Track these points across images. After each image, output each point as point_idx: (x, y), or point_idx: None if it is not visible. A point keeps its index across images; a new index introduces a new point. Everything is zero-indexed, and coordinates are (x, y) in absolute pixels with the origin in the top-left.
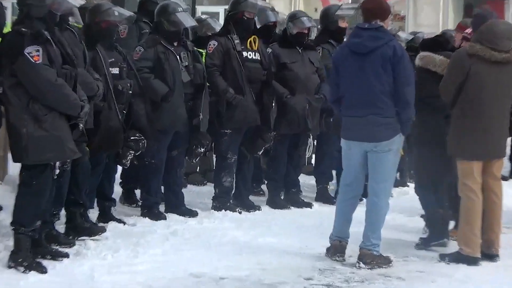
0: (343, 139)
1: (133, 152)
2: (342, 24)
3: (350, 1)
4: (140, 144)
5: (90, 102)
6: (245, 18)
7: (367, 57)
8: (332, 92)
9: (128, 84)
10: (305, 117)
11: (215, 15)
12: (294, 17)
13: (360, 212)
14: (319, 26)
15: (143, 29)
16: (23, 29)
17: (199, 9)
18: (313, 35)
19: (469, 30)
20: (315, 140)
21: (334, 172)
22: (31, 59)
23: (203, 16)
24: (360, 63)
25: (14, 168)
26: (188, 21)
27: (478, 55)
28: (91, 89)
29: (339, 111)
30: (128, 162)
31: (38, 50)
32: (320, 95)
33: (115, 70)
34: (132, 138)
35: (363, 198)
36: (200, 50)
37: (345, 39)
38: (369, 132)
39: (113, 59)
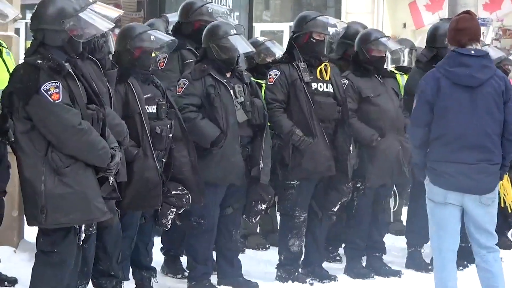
0: (439, 188)
1: (175, 209)
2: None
3: (447, 15)
4: (184, 199)
5: (121, 149)
6: (314, 41)
7: (478, 91)
8: (420, 133)
9: (168, 126)
10: (400, 163)
11: (278, 34)
12: (369, 37)
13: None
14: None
15: (187, 59)
16: (38, 61)
17: (258, 27)
18: (404, 59)
19: None
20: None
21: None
22: (49, 98)
23: (260, 39)
24: (469, 99)
25: (30, 233)
26: (243, 46)
27: None
28: (119, 132)
29: (424, 157)
30: (169, 222)
31: (57, 87)
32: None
33: (152, 109)
34: (173, 192)
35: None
36: (259, 81)
37: None
38: (478, 183)
39: (149, 95)
